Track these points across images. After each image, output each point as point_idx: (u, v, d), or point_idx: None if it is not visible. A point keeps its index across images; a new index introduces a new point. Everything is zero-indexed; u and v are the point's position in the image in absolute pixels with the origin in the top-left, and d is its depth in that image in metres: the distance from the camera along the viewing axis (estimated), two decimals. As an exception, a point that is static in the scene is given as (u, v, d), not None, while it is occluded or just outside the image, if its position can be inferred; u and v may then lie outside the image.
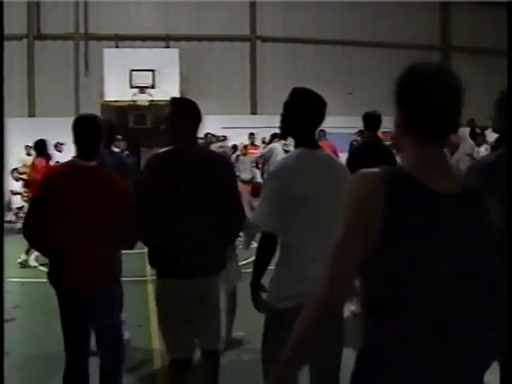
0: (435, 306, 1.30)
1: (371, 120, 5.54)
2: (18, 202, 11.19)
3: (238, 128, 13.43)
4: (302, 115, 2.63)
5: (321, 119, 2.68)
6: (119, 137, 9.75)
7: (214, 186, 2.92)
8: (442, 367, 1.31)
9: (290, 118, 2.66)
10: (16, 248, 7.74)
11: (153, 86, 14.21)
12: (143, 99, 14.16)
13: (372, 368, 1.36)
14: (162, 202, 2.88)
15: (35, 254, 8.37)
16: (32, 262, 7.74)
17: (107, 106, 14.22)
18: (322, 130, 8.89)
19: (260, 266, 2.60)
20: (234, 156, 11.35)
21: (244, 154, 11.82)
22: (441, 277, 1.31)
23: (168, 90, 14.11)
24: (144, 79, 14.11)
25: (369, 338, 1.37)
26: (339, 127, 11.37)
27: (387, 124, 11.70)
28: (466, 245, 1.35)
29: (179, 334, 2.96)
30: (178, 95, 14.09)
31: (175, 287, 2.89)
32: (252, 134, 13.09)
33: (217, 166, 3.02)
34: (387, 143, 9.68)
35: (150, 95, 14.16)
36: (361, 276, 1.36)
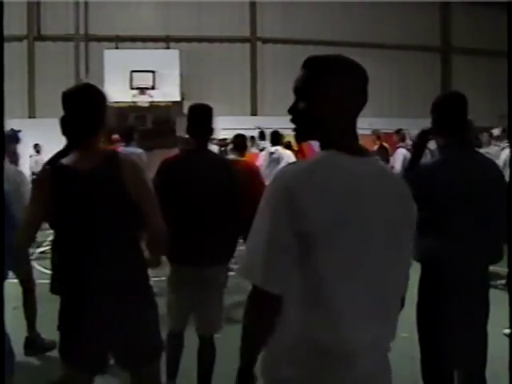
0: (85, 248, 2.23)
1: None
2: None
3: (238, 129, 13.43)
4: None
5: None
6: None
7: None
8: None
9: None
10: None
11: (153, 87, 14.22)
12: (143, 100, 14.16)
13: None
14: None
15: (35, 255, 8.37)
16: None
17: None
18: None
19: (252, 346, 1.57)
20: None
21: None
22: (80, 228, 2.21)
23: (168, 91, 14.13)
24: (144, 80, 14.11)
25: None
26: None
27: (387, 125, 11.70)
28: (99, 203, 2.19)
29: (179, 310, 3.33)
30: (178, 96, 14.13)
31: (187, 273, 3.25)
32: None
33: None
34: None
35: (151, 96, 14.16)
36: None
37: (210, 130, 3.40)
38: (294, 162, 1.60)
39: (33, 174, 11.88)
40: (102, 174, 2.23)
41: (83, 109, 2.27)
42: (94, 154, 2.27)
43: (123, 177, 2.22)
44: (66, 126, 2.36)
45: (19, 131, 9.29)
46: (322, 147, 1.59)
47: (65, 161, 2.29)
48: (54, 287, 3.92)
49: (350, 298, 1.48)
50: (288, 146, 9.01)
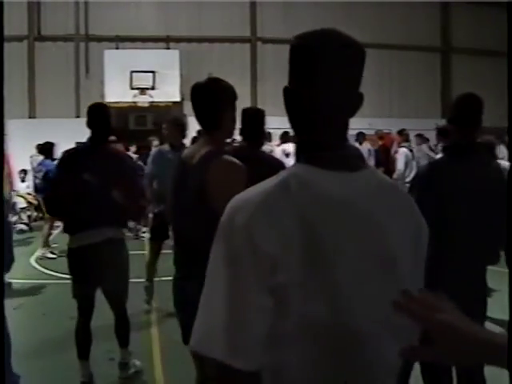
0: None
1: None
2: (21, 202, 11.21)
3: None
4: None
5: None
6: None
7: None
8: None
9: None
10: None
11: (153, 88, 14.22)
12: (143, 100, 14.18)
13: None
14: None
15: (35, 255, 8.37)
16: (34, 263, 7.73)
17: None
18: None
19: None
20: None
21: None
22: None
23: (168, 91, 14.13)
24: (144, 81, 14.12)
25: None
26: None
27: (387, 125, 11.69)
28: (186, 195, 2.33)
29: None
30: (178, 97, 14.13)
31: None
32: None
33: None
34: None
35: (151, 96, 14.17)
36: None
37: (263, 134, 3.59)
38: (253, 188, 1.12)
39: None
40: (191, 174, 2.29)
41: (204, 102, 2.37)
42: (202, 150, 2.31)
43: (206, 185, 2.21)
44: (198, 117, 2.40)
45: None
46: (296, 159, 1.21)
47: (188, 149, 2.53)
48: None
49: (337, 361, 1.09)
50: None
